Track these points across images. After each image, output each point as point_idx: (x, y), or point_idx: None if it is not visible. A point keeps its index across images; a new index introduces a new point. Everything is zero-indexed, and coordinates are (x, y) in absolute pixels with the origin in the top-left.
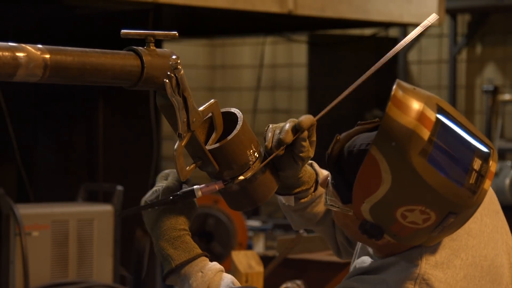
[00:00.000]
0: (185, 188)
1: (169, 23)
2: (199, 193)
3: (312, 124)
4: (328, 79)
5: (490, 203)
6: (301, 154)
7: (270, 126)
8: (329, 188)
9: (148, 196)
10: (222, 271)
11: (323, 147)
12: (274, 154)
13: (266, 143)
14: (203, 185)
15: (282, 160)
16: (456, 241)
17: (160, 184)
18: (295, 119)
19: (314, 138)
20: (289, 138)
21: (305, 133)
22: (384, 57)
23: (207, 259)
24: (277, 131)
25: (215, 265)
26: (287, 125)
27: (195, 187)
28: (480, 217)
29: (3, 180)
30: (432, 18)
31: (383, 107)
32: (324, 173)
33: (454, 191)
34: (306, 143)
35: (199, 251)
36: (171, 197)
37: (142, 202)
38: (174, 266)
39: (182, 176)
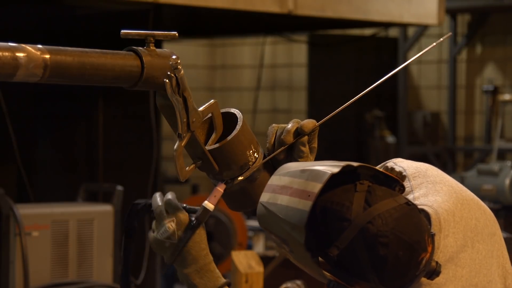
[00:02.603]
0: (188, 207)
1: (169, 23)
2: (211, 206)
3: (314, 129)
4: (328, 79)
5: (485, 226)
6: (299, 159)
7: (274, 125)
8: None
9: (161, 235)
10: None
11: (323, 148)
12: (273, 154)
13: (268, 144)
14: (209, 197)
15: (281, 163)
16: (443, 274)
17: (168, 222)
18: (299, 120)
19: (315, 145)
20: (290, 139)
21: (305, 138)
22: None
23: None
24: (279, 132)
25: None
26: (290, 126)
27: (204, 204)
28: (472, 244)
29: (3, 180)
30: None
31: (383, 107)
32: None
33: None
34: (305, 148)
35: (222, 280)
36: (193, 223)
37: (151, 239)
38: None
39: (182, 177)
